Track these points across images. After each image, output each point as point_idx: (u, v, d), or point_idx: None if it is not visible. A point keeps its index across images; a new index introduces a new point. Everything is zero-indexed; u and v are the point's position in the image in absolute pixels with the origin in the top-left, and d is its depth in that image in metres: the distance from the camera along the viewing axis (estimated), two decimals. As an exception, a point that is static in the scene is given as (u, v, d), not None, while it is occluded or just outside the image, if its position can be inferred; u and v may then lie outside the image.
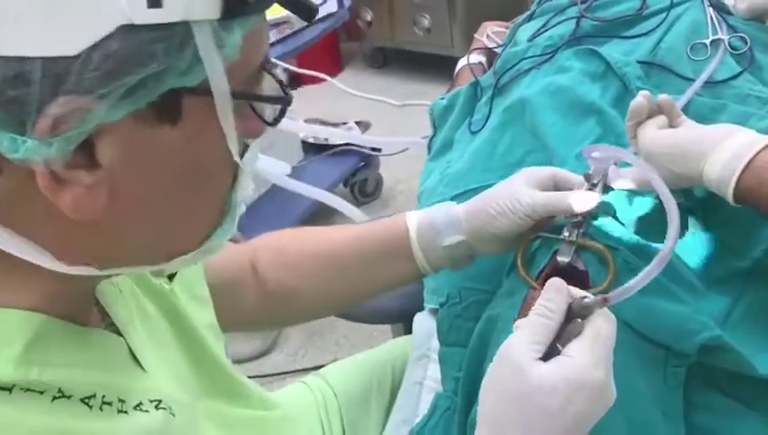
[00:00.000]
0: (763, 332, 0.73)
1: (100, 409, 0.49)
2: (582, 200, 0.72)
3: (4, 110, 0.39)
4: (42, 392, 0.46)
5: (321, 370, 1.06)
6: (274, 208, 2.13)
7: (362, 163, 2.39)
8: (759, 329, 0.73)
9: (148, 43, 0.40)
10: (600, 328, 0.56)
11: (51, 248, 0.47)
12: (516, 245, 0.78)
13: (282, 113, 0.53)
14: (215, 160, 0.49)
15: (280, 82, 0.52)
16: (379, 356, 1.09)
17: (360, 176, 2.42)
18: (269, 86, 0.51)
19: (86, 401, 0.49)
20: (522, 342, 0.56)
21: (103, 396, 0.50)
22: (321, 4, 2.08)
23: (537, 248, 0.80)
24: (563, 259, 0.75)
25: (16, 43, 0.38)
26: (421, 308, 1.04)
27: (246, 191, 0.54)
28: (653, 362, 0.73)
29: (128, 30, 0.40)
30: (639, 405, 0.73)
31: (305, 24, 2.08)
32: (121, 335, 0.56)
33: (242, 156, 0.51)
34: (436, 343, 0.97)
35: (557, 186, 0.77)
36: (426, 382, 0.98)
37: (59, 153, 0.41)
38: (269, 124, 0.52)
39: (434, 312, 1.00)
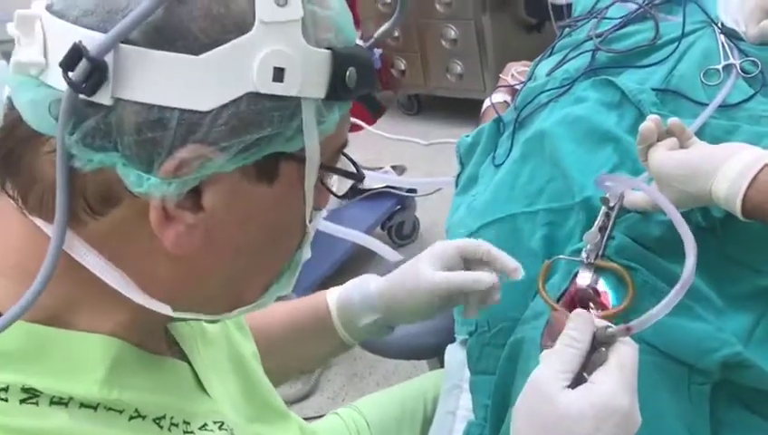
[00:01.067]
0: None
1: (169, 429, 0.54)
2: (482, 280, 0.77)
3: (139, 148, 0.45)
4: (121, 412, 0.51)
5: (355, 402, 1.08)
6: (313, 253, 2.17)
7: (399, 206, 2.43)
8: (783, 345, 0.73)
9: (268, 110, 0.47)
10: (625, 356, 0.58)
11: (138, 281, 0.52)
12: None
13: (352, 189, 0.60)
14: (293, 222, 0.55)
15: (353, 162, 0.59)
16: (412, 388, 1.11)
17: (396, 219, 2.46)
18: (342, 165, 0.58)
19: (157, 421, 0.53)
20: (550, 371, 0.58)
21: (172, 417, 0.55)
22: (376, 45, 2.15)
23: (558, 271, 0.82)
24: (583, 281, 0.77)
25: (161, 93, 0.44)
26: (453, 340, 1.06)
27: (306, 256, 0.59)
28: (677, 380, 0.74)
29: (254, 97, 0.46)
30: (665, 423, 0.73)
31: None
32: (188, 361, 0.61)
33: (309, 222, 0.56)
34: (467, 373, 0.98)
35: (465, 257, 0.81)
36: (458, 412, 0.99)
37: (174, 192, 0.46)
38: (338, 197, 0.61)
39: (464, 343, 1.02)
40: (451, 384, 1.02)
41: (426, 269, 0.79)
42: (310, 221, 0.56)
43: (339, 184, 0.65)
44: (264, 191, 0.50)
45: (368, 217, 2.34)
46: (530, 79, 1.16)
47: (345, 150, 0.57)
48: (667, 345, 0.74)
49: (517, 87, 1.25)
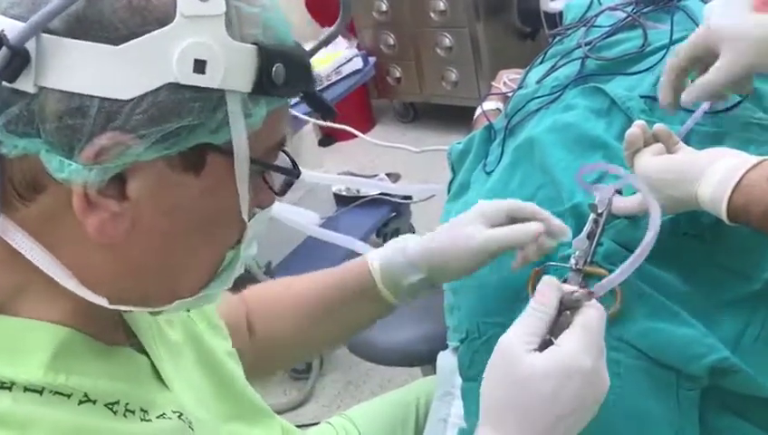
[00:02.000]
0: (773, 351, 0.73)
1: (124, 415, 0.54)
2: (529, 230, 0.77)
3: (60, 135, 0.46)
4: (69, 396, 0.51)
5: (347, 411, 1.08)
6: (309, 260, 2.18)
7: (394, 213, 2.43)
8: (769, 349, 0.73)
9: (188, 100, 0.48)
10: (590, 318, 0.61)
11: (75, 271, 0.53)
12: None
13: (288, 185, 0.61)
14: (225, 214, 0.55)
15: (292, 159, 0.59)
16: (404, 395, 1.11)
17: (392, 226, 2.46)
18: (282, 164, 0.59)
19: (110, 406, 0.54)
20: (517, 335, 0.61)
21: (126, 404, 0.55)
22: (347, 63, 2.17)
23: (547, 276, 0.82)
24: (572, 287, 0.77)
25: (81, 82, 0.46)
26: (445, 347, 1.06)
27: (249, 252, 0.60)
28: (665, 386, 0.74)
29: (174, 87, 0.47)
30: (654, 429, 0.74)
31: (332, 80, 2.17)
32: (146, 355, 0.61)
33: (249, 219, 0.57)
34: (459, 380, 0.98)
35: (513, 217, 0.81)
36: (450, 419, 0.99)
37: (96, 179, 0.48)
38: (276, 193, 0.60)
39: (456, 349, 1.02)
40: (443, 391, 1.02)
41: (474, 228, 0.80)
42: (249, 218, 0.56)
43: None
44: (191, 182, 0.51)
45: (363, 224, 2.35)
46: (521, 86, 1.17)
47: (286, 148, 0.58)
48: (655, 350, 0.74)
49: (509, 94, 1.25)
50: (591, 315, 0.61)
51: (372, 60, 2.29)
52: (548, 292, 0.63)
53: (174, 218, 0.52)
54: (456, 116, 3.19)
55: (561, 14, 2.44)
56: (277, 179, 0.60)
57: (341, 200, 2.40)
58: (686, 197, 0.71)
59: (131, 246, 0.52)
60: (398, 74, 3.26)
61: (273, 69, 0.51)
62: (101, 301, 0.54)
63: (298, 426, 2.04)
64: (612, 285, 0.63)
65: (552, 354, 0.59)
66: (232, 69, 0.49)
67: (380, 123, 3.49)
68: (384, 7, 3.11)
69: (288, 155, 0.59)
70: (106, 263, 0.53)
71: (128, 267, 0.54)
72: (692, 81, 0.83)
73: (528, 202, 0.82)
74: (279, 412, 1.98)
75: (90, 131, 0.46)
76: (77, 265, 0.52)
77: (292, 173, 0.59)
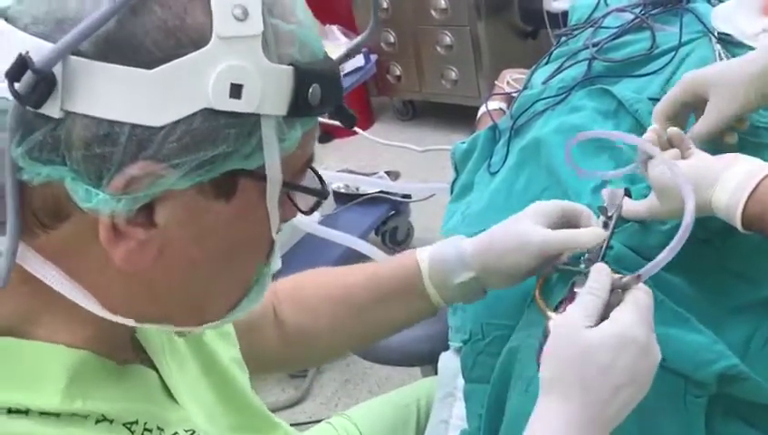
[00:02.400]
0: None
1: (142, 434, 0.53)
2: (591, 237, 0.75)
3: (88, 163, 0.44)
4: (86, 417, 0.50)
5: (347, 410, 1.07)
6: (308, 257, 2.17)
7: (393, 211, 2.42)
8: (778, 357, 0.73)
9: (223, 127, 0.46)
10: (639, 297, 0.64)
11: (97, 295, 0.51)
12: (527, 278, 0.79)
13: (317, 205, 0.59)
14: (255, 238, 0.54)
15: (320, 177, 0.58)
16: (405, 396, 1.10)
17: (390, 224, 2.45)
18: (309, 180, 0.57)
19: (128, 425, 0.52)
20: (575, 315, 0.63)
21: (145, 423, 0.54)
22: (349, 60, 2.16)
23: (555, 280, 0.81)
24: (581, 291, 0.76)
25: (111, 107, 0.43)
26: (447, 348, 1.05)
27: (275, 267, 0.59)
28: (674, 392, 0.73)
29: (209, 113, 0.45)
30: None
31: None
32: (155, 369, 0.60)
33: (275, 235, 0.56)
34: (461, 382, 0.97)
35: (565, 218, 0.79)
36: (451, 421, 0.98)
37: (124, 209, 0.45)
38: (304, 213, 0.58)
39: (458, 350, 1.01)
40: (444, 393, 1.02)
41: (532, 226, 0.77)
42: (276, 233, 0.55)
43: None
44: (222, 208, 0.49)
45: (362, 222, 2.33)
46: (526, 87, 1.16)
47: (313, 165, 0.56)
48: (664, 356, 0.73)
49: (513, 95, 1.25)
50: (641, 295, 0.64)
51: (374, 57, 2.28)
52: (601, 276, 0.66)
53: (203, 244, 0.51)
54: (456, 115, 3.18)
55: (564, 13, 2.45)
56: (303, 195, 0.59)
57: (341, 198, 2.39)
58: (699, 203, 0.70)
59: (157, 273, 0.50)
60: (398, 72, 3.24)
61: (310, 90, 0.49)
62: (127, 321, 0.53)
63: (295, 424, 2.04)
64: (657, 269, 0.65)
65: (608, 327, 0.62)
66: (268, 92, 0.47)
67: (379, 121, 3.48)
68: (385, 4, 3.09)
69: (316, 173, 0.57)
70: (129, 288, 0.51)
71: (153, 293, 0.52)
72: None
73: (584, 207, 0.79)
74: (276, 410, 1.99)
75: (119, 160, 0.44)
76: (99, 290, 0.51)
77: (322, 194, 0.57)
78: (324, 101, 0.50)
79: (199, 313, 0.56)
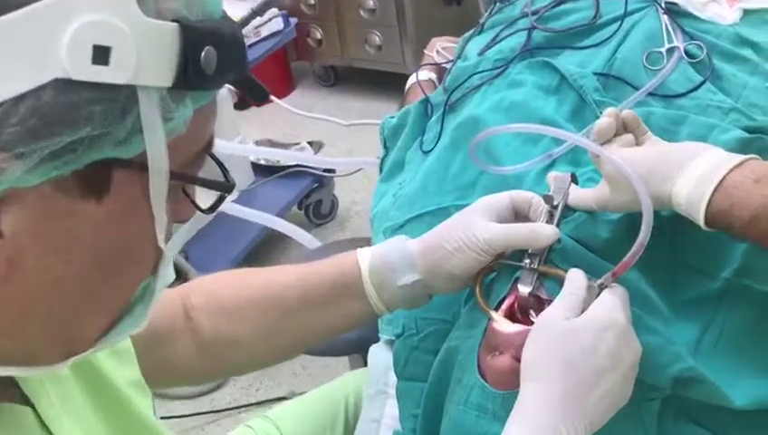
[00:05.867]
0: (736, 359, 0.68)
1: None
2: (543, 234, 0.69)
3: None
4: None
5: (269, 412, 0.99)
6: (224, 235, 2.05)
7: (316, 184, 2.32)
8: (732, 356, 0.69)
9: (86, 102, 0.36)
10: (616, 290, 0.64)
11: None
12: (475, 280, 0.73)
13: (220, 200, 0.49)
14: (135, 246, 0.44)
15: (222, 166, 0.48)
16: (331, 393, 1.03)
17: (314, 197, 2.36)
18: (208, 171, 0.47)
19: None
20: (555, 312, 0.62)
21: None
22: (266, 23, 2.02)
23: (496, 276, 0.74)
24: (525, 288, 0.70)
25: None
26: (377, 336, 0.98)
27: (166, 281, 0.48)
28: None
29: (63, 85, 0.36)
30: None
31: (251, 41, 2.02)
32: (31, 404, 0.49)
33: (166, 241, 0.45)
34: (393, 378, 0.91)
35: (516, 210, 0.73)
36: (383, 420, 0.93)
37: None
38: (203, 211, 0.48)
39: (390, 343, 0.95)
40: (375, 389, 0.95)
41: (480, 221, 0.70)
42: (167, 240, 0.45)
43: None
44: (92, 210, 0.39)
45: (283, 196, 2.23)
46: (459, 57, 1.08)
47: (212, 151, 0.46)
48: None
49: (445, 65, 1.17)
50: (618, 289, 0.64)
51: (293, 21, 2.15)
52: (577, 278, 0.65)
53: (68, 257, 0.40)
54: (380, 81, 3.09)
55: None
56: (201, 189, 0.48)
57: (260, 170, 2.27)
58: (658, 196, 0.64)
59: (7, 294, 0.40)
60: (318, 36, 3.12)
61: (203, 54, 0.39)
62: None
63: (215, 411, 1.94)
64: (630, 266, 0.64)
65: (588, 314, 0.61)
66: (146, 57, 0.37)
67: (300, 86, 3.34)
68: (304, -38, 2.96)
69: (217, 161, 0.47)
70: None
71: (2, 320, 0.41)
72: None
73: (528, 192, 0.73)
74: (194, 396, 1.89)
75: None
76: None
77: (225, 187, 0.47)
78: (222, 68, 0.41)
79: (65, 342, 0.45)
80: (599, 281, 0.65)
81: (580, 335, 0.59)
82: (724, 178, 0.60)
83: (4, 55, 0.34)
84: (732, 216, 0.60)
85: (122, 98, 0.37)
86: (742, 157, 0.61)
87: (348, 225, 2.44)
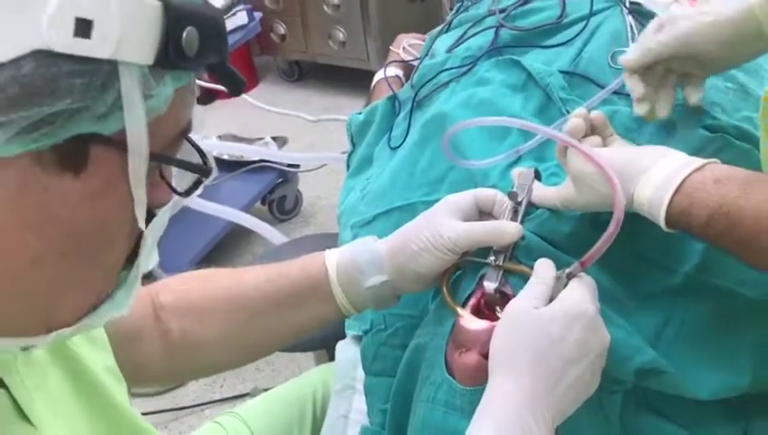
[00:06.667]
0: (697, 351, 0.70)
1: None
2: (506, 232, 0.70)
3: None
4: None
5: (236, 408, 0.99)
6: (187, 230, 2.03)
7: (280, 180, 2.31)
8: (693, 348, 0.70)
9: (66, 75, 0.36)
10: (584, 279, 0.64)
11: None
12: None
13: (196, 185, 0.49)
14: (114, 225, 0.44)
15: (201, 151, 0.48)
16: (299, 388, 1.03)
17: (278, 193, 2.34)
18: (185, 155, 0.47)
19: None
20: (522, 300, 0.63)
21: None
22: (230, 17, 2.00)
23: (462, 273, 0.75)
24: (491, 284, 0.71)
25: None
26: (343, 332, 0.98)
27: (148, 263, 0.49)
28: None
29: (44, 56, 0.36)
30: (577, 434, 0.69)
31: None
32: (4, 386, 0.49)
33: (147, 223, 0.45)
34: (361, 373, 0.91)
35: (480, 208, 0.73)
36: (351, 415, 0.93)
37: None
38: (179, 194, 0.48)
39: (357, 339, 0.95)
40: (342, 385, 0.95)
41: (445, 220, 0.70)
42: (146, 223, 0.45)
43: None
44: (69, 185, 0.40)
45: (247, 192, 2.21)
46: (426, 55, 1.09)
47: (190, 135, 0.47)
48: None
49: (412, 63, 1.17)
50: (585, 278, 0.65)
51: (258, 15, 2.13)
52: (546, 267, 0.66)
53: (45, 233, 0.40)
54: (344, 77, 3.08)
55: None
56: (176, 171, 0.48)
57: (224, 165, 2.25)
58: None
59: None
60: (282, 31, 3.10)
61: (184, 34, 0.40)
62: None
63: (179, 408, 1.92)
64: (599, 255, 0.65)
65: (558, 303, 0.62)
66: (128, 32, 0.38)
67: (264, 81, 3.32)
68: (269, -44, 2.94)
69: (195, 145, 0.48)
70: None
71: None
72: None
73: (497, 191, 0.74)
74: (157, 394, 1.86)
75: None
76: None
77: (204, 170, 0.48)
78: (203, 51, 0.41)
79: (45, 319, 0.45)
80: (567, 270, 0.66)
81: (548, 325, 0.60)
82: (684, 179, 0.61)
83: None
84: (691, 215, 0.61)
85: (103, 72, 0.38)
86: (703, 160, 0.63)
87: (312, 220, 2.43)
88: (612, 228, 0.62)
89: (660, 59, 0.73)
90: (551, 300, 0.63)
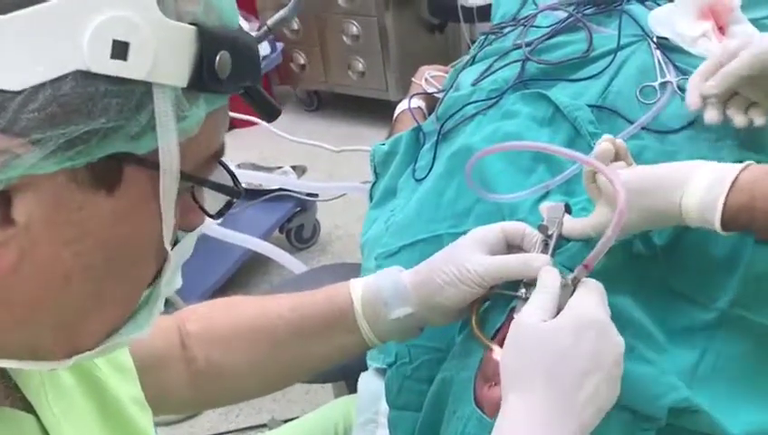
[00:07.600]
0: (732, 389, 0.69)
1: None
2: (536, 264, 0.68)
3: None
4: None
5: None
6: (206, 258, 2.03)
7: (298, 208, 2.32)
8: (728, 386, 0.69)
9: (102, 95, 0.37)
10: (591, 285, 0.63)
11: None
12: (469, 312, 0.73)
13: (227, 206, 0.50)
14: (143, 244, 0.44)
15: (232, 174, 0.49)
16: (321, 421, 1.02)
17: (296, 222, 2.35)
18: (215, 178, 0.48)
19: None
20: (529, 311, 0.61)
21: None
22: (268, 37, 2.03)
23: (490, 306, 0.74)
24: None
25: None
26: (361, 363, 0.97)
27: (172, 287, 0.49)
28: (620, 427, 0.68)
29: (83, 76, 0.37)
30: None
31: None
32: (33, 412, 0.49)
33: (173, 246, 0.46)
34: (384, 407, 0.90)
35: (509, 241, 0.73)
36: (374, 449, 0.91)
37: None
38: (210, 216, 0.49)
39: (380, 371, 0.94)
40: (365, 418, 0.94)
41: (471, 254, 0.69)
42: (173, 245, 0.46)
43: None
44: (102, 203, 0.40)
45: (266, 220, 2.23)
46: (451, 87, 1.09)
47: (222, 159, 0.47)
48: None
49: (436, 95, 1.18)
50: (592, 283, 0.63)
51: (280, 46, 2.16)
52: (550, 276, 0.64)
53: (77, 249, 0.41)
54: (364, 107, 3.11)
55: (480, 8, 2.40)
56: (209, 195, 0.49)
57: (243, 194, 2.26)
58: (666, 206, 0.64)
59: (18, 285, 0.40)
60: (302, 61, 3.14)
61: (218, 58, 0.40)
62: None
63: (193, 438, 1.89)
64: (601, 255, 0.63)
65: (566, 313, 0.60)
66: (163, 56, 0.39)
67: (283, 110, 3.32)
68: (289, -12, 2.97)
69: (227, 168, 0.48)
70: None
71: (11, 312, 0.41)
72: None
73: (520, 223, 0.73)
74: (172, 423, 1.85)
75: None
76: None
77: (234, 192, 0.48)
78: (236, 75, 0.42)
79: (69, 340, 0.45)
80: (571, 276, 0.64)
81: (558, 338, 0.58)
82: (736, 177, 0.60)
83: (29, 44, 0.35)
84: (754, 208, 0.60)
85: (138, 93, 0.38)
86: (744, 163, 0.62)
87: (329, 249, 2.43)
88: (617, 219, 0.59)
89: (741, 83, 0.72)
90: (559, 309, 0.61)
